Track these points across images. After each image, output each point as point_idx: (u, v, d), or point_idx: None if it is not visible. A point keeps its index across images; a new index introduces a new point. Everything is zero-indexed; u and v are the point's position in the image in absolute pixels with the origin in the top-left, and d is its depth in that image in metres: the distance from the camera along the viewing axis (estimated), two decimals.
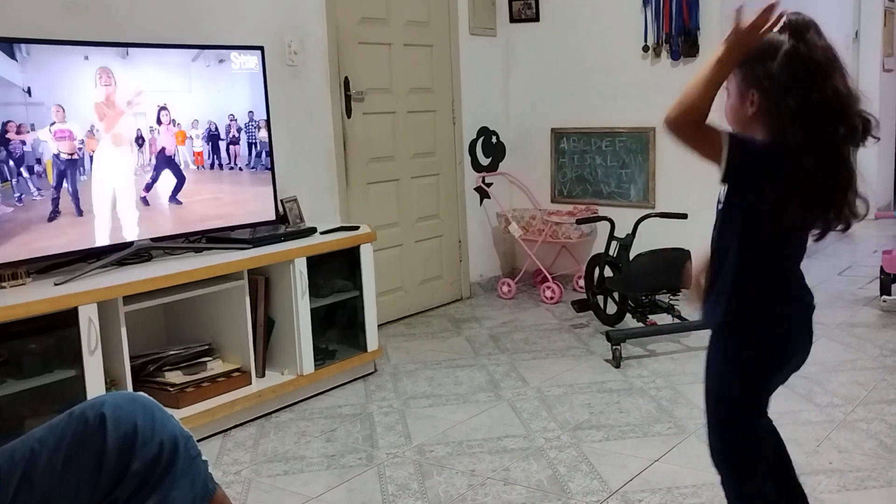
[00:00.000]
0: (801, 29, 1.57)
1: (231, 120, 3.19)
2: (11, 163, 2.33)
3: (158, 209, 3.03)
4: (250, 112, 3.22)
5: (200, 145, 3.12)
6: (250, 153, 3.26)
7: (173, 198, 3.06)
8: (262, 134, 3.28)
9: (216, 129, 3.16)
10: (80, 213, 2.76)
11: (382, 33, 4.29)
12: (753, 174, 1.58)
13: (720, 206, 1.69)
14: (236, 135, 3.19)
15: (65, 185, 2.69)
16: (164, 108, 3.01)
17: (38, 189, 2.53)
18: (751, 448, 1.75)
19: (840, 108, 1.55)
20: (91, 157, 2.78)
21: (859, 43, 6.80)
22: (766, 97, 1.57)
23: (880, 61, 6.89)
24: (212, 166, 3.17)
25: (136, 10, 3.22)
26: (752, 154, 1.57)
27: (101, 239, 2.84)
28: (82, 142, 2.75)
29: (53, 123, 2.60)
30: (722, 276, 1.69)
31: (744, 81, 1.61)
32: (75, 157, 2.70)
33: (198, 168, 3.14)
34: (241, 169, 3.25)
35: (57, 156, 2.67)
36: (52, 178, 2.62)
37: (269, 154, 3.36)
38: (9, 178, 2.31)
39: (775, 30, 1.58)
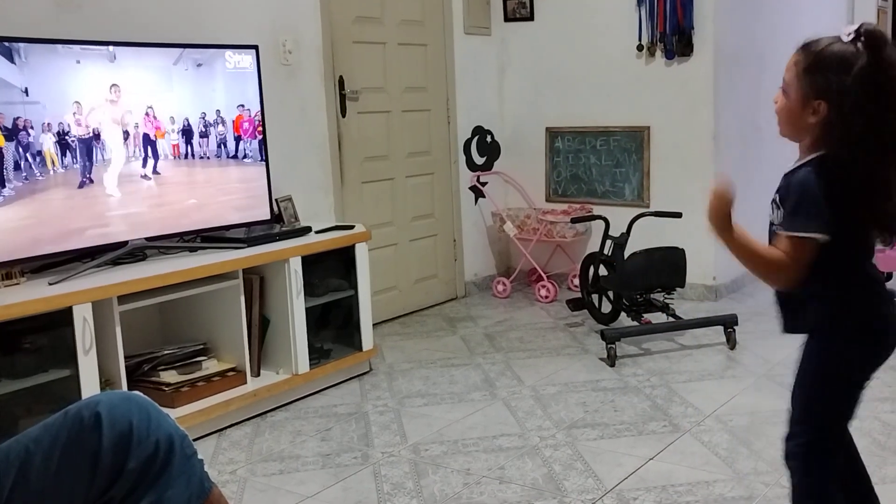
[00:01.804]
0: (879, 43, 1.52)
1: (202, 118, 3.21)
2: (21, 150, 2.70)
3: (158, 203, 3.04)
4: (217, 110, 3.24)
5: (176, 139, 3.15)
6: (217, 146, 3.28)
7: (154, 170, 3.09)
8: (221, 129, 3.28)
9: (188, 124, 3.18)
10: (91, 181, 2.90)
11: (377, 32, 4.29)
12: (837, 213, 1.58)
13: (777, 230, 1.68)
14: (204, 129, 3.22)
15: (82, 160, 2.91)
16: (151, 105, 3.05)
17: (40, 172, 2.77)
18: (834, 450, 1.74)
19: None
20: (99, 140, 2.91)
21: None
22: (833, 111, 1.53)
23: None
24: (185, 156, 3.19)
25: (129, 8, 3.21)
26: (823, 209, 1.57)
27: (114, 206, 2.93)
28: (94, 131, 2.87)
29: (75, 113, 2.85)
30: (795, 295, 1.69)
31: (811, 88, 1.56)
32: (88, 137, 2.90)
33: (174, 158, 3.15)
34: (209, 158, 3.25)
35: (78, 138, 2.86)
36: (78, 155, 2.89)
37: (265, 153, 3.36)
38: (20, 162, 2.69)
39: (847, 39, 1.54)
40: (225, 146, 3.29)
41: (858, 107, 1.51)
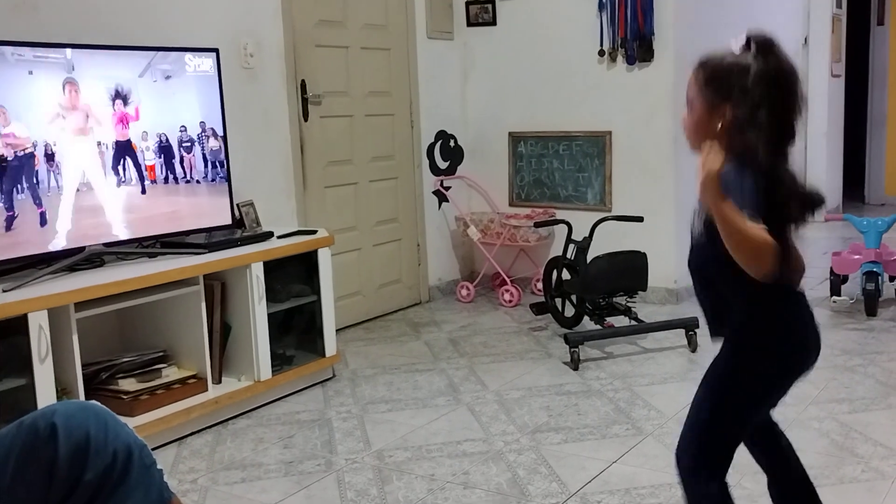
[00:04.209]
0: (768, 46, 1.65)
1: (182, 131, 3.14)
2: None
3: (119, 208, 2.99)
4: (202, 122, 3.18)
5: (152, 158, 3.07)
6: (206, 165, 3.22)
7: (143, 189, 3.03)
8: (214, 143, 3.23)
9: (167, 140, 3.10)
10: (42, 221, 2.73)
11: (340, 36, 4.27)
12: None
13: (701, 239, 1.69)
14: (189, 145, 3.15)
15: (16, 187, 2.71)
16: (116, 110, 2.97)
17: None
18: (723, 463, 1.75)
19: (798, 114, 1.65)
20: (46, 158, 2.76)
21: (808, 49, 6.95)
22: (739, 110, 1.62)
23: (829, 67, 7.05)
24: (165, 180, 3.11)
25: (87, 11, 3.16)
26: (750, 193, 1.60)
27: (58, 241, 2.79)
28: (34, 144, 2.72)
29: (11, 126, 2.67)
30: (722, 295, 1.72)
31: (716, 95, 1.66)
32: (24, 157, 2.70)
33: (152, 182, 3.08)
34: (198, 182, 3.21)
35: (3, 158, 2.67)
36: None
37: (225, 158, 3.32)
38: None
39: (738, 50, 1.66)
40: (218, 165, 3.22)
41: (761, 100, 1.61)
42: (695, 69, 1.72)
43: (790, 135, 1.66)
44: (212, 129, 3.23)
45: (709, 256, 1.70)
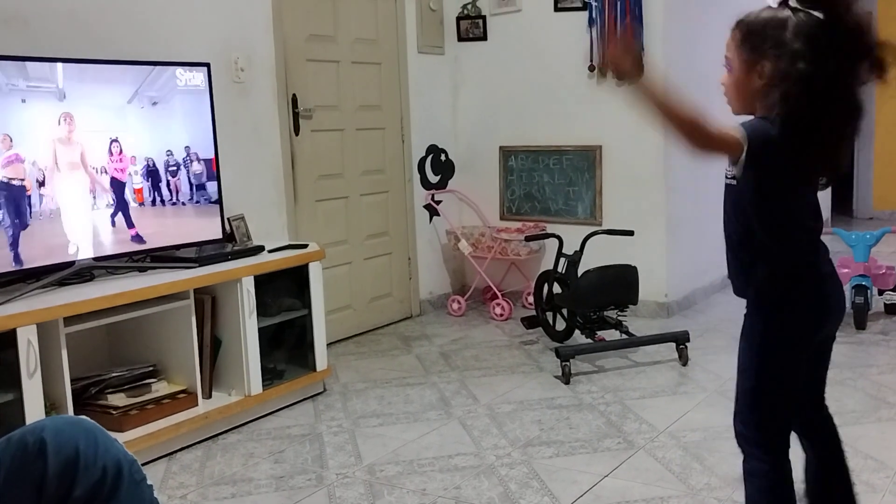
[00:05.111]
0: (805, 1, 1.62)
1: (168, 155, 3.14)
2: None
3: (106, 232, 2.98)
4: (186, 147, 3.19)
5: (139, 182, 3.07)
6: (191, 188, 3.22)
7: (112, 218, 3.02)
8: (197, 167, 3.23)
9: (153, 165, 3.11)
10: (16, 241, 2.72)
11: (331, 51, 4.28)
12: (775, 161, 1.62)
13: (732, 185, 1.70)
14: (174, 170, 3.15)
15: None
16: (114, 140, 2.98)
17: None
18: (781, 434, 1.76)
19: (858, 43, 1.59)
20: (41, 185, 2.76)
21: None
22: (777, 65, 1.61)
23: None
24: (153, 203, 3.12)
25: (78, 27, 3.16)
26: (772, 145, 1.61)
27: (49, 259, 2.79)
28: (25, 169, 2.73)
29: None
30: (743, 251, 1.73)
31: (752, 53, 1.65)
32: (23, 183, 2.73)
33: (139, 205, 3.08)
34: (184, 204, 3.21)
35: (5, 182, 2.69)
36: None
37: (216, 172, 3.32)
38: None
39: (776, 3, 1.63)
40: (203, 188, 3.22)
41: (799, 55, 1.58)
42: (732, 28, 1.70)
43: (840, 94, 1.59)
44: (195, 153, 3.23)
45: (734, 224, 1.72)
